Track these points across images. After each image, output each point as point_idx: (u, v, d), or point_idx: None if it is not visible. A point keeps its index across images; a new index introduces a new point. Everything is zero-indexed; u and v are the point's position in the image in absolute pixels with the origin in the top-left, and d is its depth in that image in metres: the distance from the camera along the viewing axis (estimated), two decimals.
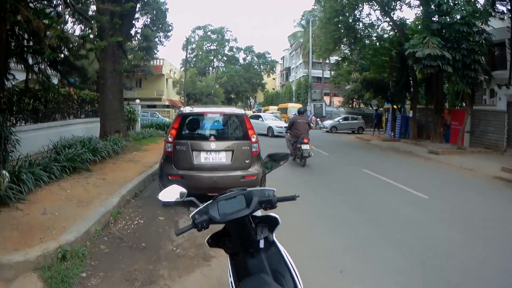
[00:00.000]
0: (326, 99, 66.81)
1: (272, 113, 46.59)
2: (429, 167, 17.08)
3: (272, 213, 3.11)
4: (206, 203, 3.00)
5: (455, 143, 22.98)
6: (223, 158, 8.60)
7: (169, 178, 8.30)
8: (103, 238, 6.54)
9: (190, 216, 2.94)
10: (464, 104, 26.12)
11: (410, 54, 20.38)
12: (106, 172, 10.98)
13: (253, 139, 8.86)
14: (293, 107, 47.94)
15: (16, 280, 4.69)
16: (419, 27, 26.41)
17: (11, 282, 4.67)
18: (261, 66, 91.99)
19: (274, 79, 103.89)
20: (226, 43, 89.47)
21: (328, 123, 44.86)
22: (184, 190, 3.26)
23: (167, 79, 61.07)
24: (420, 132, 28.38)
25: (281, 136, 28.43)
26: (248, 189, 3.08)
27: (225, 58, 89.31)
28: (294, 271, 2.93)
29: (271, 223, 3.12)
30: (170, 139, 8.57)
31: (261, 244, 3.00)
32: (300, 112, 17.13)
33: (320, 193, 10.72)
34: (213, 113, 9.65)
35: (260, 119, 34.30)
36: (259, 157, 9.02)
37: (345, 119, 44.81)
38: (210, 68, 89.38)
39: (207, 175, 8.38)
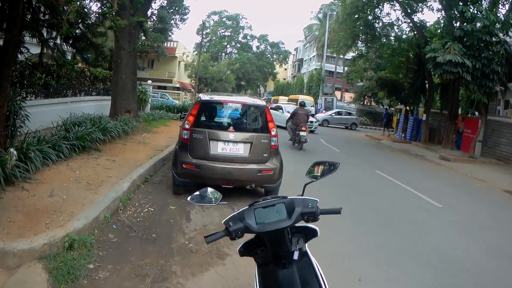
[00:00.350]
0: (337, 94, 66.35)
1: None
2: (440, 173, 16.80)
3: (311, 224, 2.84)
4: (242, 209, 2.74)
5: (466, 151, 22.80)
6: (241, 149, 8.28)
7: (184, 166, 8.05)
8: (112, 226, 6.26)
9: (223, 221, 2.68)
10: (476, 113, 26.00)
11: (431, 58, 20.08)
12: (116, 153, 10.73)
13: (273, 133, 8.52)
14: (304, 99, 47.20)
15: (19, 270, 4.39)
16: (439, 31, 26.39)
17: (14, 271, 4.37)
18: (274, 56, 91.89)
19: (285, 69, 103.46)
20: (241, 30, 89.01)
21: (320, 116, 44.30)
22: (218, 194, 3.03)
23: (179, 62, 60.89)
24: (432, 137, 28.14)
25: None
26: (289, 197, 2.81)
27: (239, 45, 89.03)
28: (325, 284, 2.71)
29: (308, 234, 2.87)
30: (187, 126, 8.23)
31: (296, 256, 2.74)
32: (301, 105, 20.71)
33: (336, 193, 10.37)
34: (234, 102, 9.31)
35: (280, 110, 32.22)
36: (278, 151, 8.76)
37: (338, 113, 44.75)
38: (223, 54, 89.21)
39: (223, 166, 8.04)
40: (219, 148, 8.19)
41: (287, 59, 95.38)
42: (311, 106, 42.01)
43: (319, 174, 3.30)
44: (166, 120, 21.99)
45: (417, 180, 13.82)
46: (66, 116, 11.92)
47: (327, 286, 2.72)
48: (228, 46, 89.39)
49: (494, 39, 19.95)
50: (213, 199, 3.02)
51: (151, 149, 12.09)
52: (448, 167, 18.49)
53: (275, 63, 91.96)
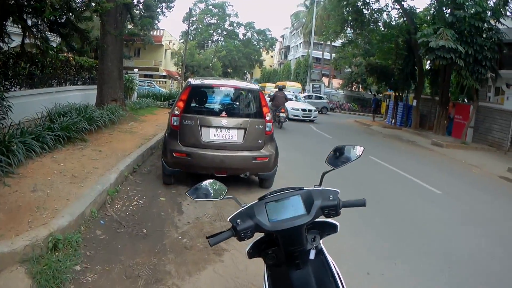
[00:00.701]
0: (325, 80, 66.24)
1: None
2: (434, 159, 16.71)
3: (331, 219, 2.45)
4: (250, 204, 2.35)
5: (457, 136, 22.88)
6: (234, 136, 7.88)
7: (174, 155, 7.65)
8: (99, 222, 5.83)
9: (229, 219, 2.28)
10: (466, 99, 26.30)
11: (423, 44, 20.08)
12: (102, 143, 10.29)
13: (268, 118, 8.14)
14: (292, 86, 47.17)
15: (0, 276, 3.93)
16: (428, 17, 26.67)
17: None
18: (261, 43, 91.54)
19: (272, 56, 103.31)
20: (227, 18, 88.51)
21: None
22: (223, 186, 2.58)
23: (165, 50, 60.80)
24: (422, 123, 28.21)
25: (297, 120, 27.36)
26: (305, 188, 2.42)
27: (225, 33, 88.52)
28: (342, 285, 2.36)
29: (325, 230, 2.50)
30: (176, 112, 7.79)
31: (312, 255, 2.38)
32: (280, 89, 23.06)
33: (331, 181, 9.99)
34: (226, 86, 8.88)
35: None
36: (272, 137, 8.38)
37: (308, 97, 43.83)
38: (210, 41, 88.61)
39: (215, 154, 7.65)
40: (211, 135, 7.80)
41: (273, 46, 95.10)
42: (299, 93, 41.71)
43: (339, 161, 2.82)
44: (153, 108, 21.60)
45: (412, 166, 13.67)
46: (51, 107, 11.45)
47: (344, 286, 2.37)
48: (214, 34, 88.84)
49: (486, 25, 19.98)
50: (216, 193, 2.55)
51: (138, 138, 11.68)
52: (441, 153, 18.42)
53: (261, 50, 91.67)
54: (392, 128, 29.24)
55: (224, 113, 8.00)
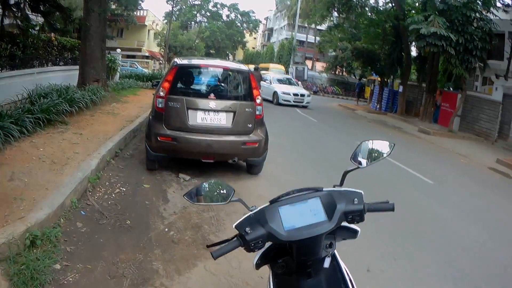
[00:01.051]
0: (308, 63, 66.08)
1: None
2: (423, 147, 16.60)
3: (353, 225, 2.13)
4: (260, 208, 2.01)
5: (443, 124, 22.84)
6: (223, 119, 7.51)
7: (158, 139, 7.25)
8: (80, 213, 5.42)
9: (235, 226, 1.94)
10: (452, 88, 26.31)
11: (414, 30, 20.06)
12: (84, 125, 9.80)
13: (258, 101, 7.78)
14: (275, 68, 46.37)
15: None
16: (417, 4, 26.67)
17: None
18: (244, 25, 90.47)
19: (255, 38, 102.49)
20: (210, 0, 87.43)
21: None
22: (230, 187, 2.22)
23: (148, 31, 60.32)
24: (408, 109, 28.04)
25: (289, 105, 25.39)
26: (324, 189, 2.09)
27: (209, 14, 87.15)
28: None
29: (343, 235, 2.17)
30: (162, 94, 7.37)
31: (327, 263, 2.05)
32: (255, 69, 24.32)
33: (320, 168, 9.83)
34: (214, 66, 8.41)
35: (267, 81, 28.57)
36: (263, 121, 8.04)
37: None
38: (193, 22, 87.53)
39: (203, 139, 7.28)
40: (198, 118, 7.42)
41: (257, 28, 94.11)
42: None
43: (367, 159, 2.41)
44: (135, 89, 21.04)
45: (402, 153, 13.29)
46: (32, 88, 10.93)
47: None
48: (198, 15, 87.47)
49: (477, 15, 19.90)
50: (221, 197, 2.19)
51: (121, 120, 11.22)
52: (429, 141, 18.32)
53: (245, 32, 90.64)
54: (377, 113, 29.03)
55: (212, 95, 7.61)
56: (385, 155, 2.43)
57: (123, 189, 6.62)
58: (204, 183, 2.21)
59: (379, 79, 32.03)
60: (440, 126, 22.82)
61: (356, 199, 2.03)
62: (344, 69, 48.94)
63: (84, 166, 6.58)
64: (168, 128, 7.33)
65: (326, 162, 10.52)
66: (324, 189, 2.09)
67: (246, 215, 1.98)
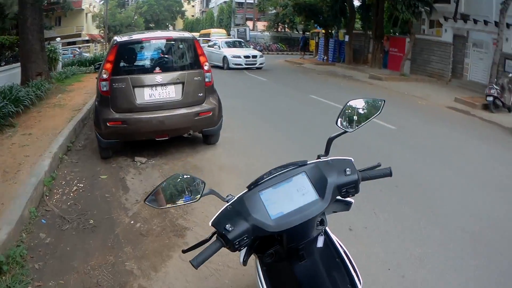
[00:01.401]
0: (250, 24, 65.88)
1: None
2: (377, 93, 16.45)
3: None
4: (237, 196, 1.71)
5: (393, 69, 23.02)
6: (172, 92, 7.16)
7: (108, 124, 6.83)
8: (40, 222, 4.94)
9: (212, 223, 1.61)
10: (397, 33, 26.43)
11: None
12: (32, 124, 9.17)
13: (206, 67, 7.44)
14: (216, 33, 46.38)
15: None
16: None
17: None
18: None
19: (193, 6, 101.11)
20: None
21: None
22: (198, 180, 1.86)
23: (86, 14, 58.68)
24: (356, 57, 28.12)
25: (239, 69, 23.94)
26: (309, 162, 1.79)
27: None
28: (353, 265, 1.81)
29: (334, 208, 1.91)
30: (105, 76, 6.87)
31: (320, 242, 1.79)
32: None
33: (280, 127, 9.73)
34: (157, 38, 7.99)
35: (216, 46, 27.07)
36: (213, 88, 7.75)
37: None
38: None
39: (154, 116, 6.95)
40: (146, 95, 7.03)
41: None
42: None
43: (354, 121, 2.12)
44: (79, 76, 20.26)
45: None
46: None
47: (355, 266, 1.83)
48: None
49: None
50: (189, 192, 1.82)
51: (68, 111, 10.62)
52: (382, 86, 18.34)
53: (182, 1, 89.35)
54: (325, 65, 29.06)
55: (157, 69, 7.22)
56: (375, 115, 2.15)
57: (80, 185, 6.18)
58: (165, 182, 1.84)
59: (323, 31, 32.10)
60: (390, 71, 22.92)
61: (348, 169, 1.77)
62: (286, 26, 48.90)
63: (37, 169, 6.09)
64: (116, 111, 6.91)
65: (283, 122, 10.38)
66: (308, 162, 1.80)
67: (222, 208, 1.67)
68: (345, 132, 2.05)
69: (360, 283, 1.78)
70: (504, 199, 5.95)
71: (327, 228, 1.88)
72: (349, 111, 2.13)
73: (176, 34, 8.18)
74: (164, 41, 7.87)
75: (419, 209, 5.40)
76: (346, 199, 1.86)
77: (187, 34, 8.08)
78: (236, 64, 24.30)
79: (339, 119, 2.10)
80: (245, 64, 24.38)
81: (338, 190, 1.72)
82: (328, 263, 1.81)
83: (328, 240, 1.90)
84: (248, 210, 1.61)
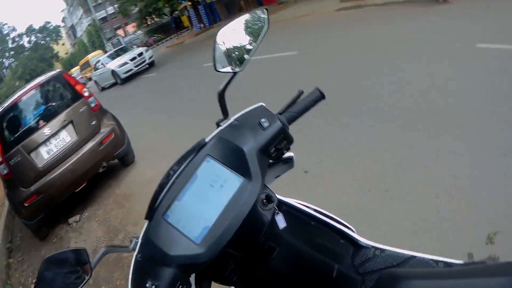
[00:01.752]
0: (121, 32, 66.24)
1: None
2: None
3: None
4: (141, 236, 1.12)
5: (270, 3, 23.06)
6: (66, 137, 6.71)
7: (25, 204, 6.30)
8: None
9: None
10: None
11: None
12: None
13: (86, 94, 7.06)
14: (93, 56, 44.34)
15: None
16: None
17: None
18: (47, 39, 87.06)
19: (63, 44, 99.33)
20: (7, 38, 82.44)
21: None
22: (80, 250, 1.16)
23: None
24: (229, 12, 28.45)
25: (133, 75, 22.06)
26: (208, 138, 1.20)
27: (13, 52, 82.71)
28: (335, 219, 1.40)
29: (274, 175, 1.40)
30: None
31: (281, 223, 1.28)
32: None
33: (191, 118, 9.08)
34: (26, 92, 7.32)
35: (101, 66, 25.01)
36: (103, 109, 7.39)
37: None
38: (4, 70, 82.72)
39: (62, 170, 6.48)
40: (44, 155, 6.56)
41: (60, 34, 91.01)
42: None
43: (240, 53, 1.35)
44: None
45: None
46: None
47: (336, 217, 1.42)
48: (4, 60, 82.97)
49: None
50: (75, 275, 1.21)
51: None
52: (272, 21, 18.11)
53: (51, 45, 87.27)
54: (205, 31, 29.18)
55: (41, 122, 6.78)
56: (263, 32, 1.35)
57: (34, 281, 5.71)
58: (42, 270, 1.15)
59: (189, 2, 32.41)
60: (270, 6, 22.70)
61: (263, 120, 1.20)
62: (154, 16, 48.81)
63: None
64: (26, 186, 6.41)
65: (185, 104, 10.30)
66: (207, 139, 1.21)
67: (132, 263, 1.10)
68: (234, 74, 1.34)
69: (353, 230, 1.42)
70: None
71: (280, 197, 1.36)
72: (222, 45, 1.40)
73: (42, 78, 7.59)
74: (34, 90, 7.32)
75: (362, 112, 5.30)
76: (283, 157, 1.34)
77: (53, 72, 7.62)
78: (126, 72, 22.22)
79: (216, 63, 1.39)
80: (135, 67, 22.31)
81: (265, 153, 1.20)
82: (306, 235, 1.38)
83: (291, 210, 1.41)
84: (163, 250, 1.08)
